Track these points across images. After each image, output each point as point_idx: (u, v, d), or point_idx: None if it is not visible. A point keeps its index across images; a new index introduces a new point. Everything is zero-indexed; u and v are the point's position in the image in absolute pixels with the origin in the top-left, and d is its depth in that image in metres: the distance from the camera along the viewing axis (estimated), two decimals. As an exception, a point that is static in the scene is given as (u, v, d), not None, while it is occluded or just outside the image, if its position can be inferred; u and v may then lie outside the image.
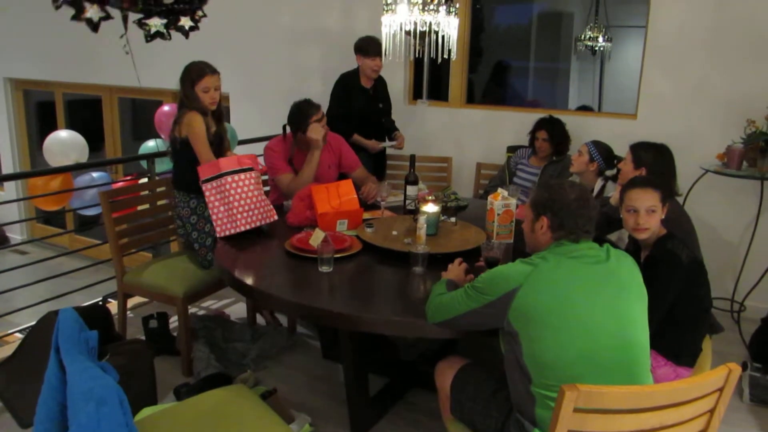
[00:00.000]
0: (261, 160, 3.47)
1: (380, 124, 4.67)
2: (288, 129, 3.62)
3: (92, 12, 3.46)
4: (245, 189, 3.03)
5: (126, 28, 3.71)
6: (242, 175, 3.06)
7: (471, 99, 5.39)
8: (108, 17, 3.64)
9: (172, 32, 3.73)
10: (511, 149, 4.68)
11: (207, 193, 3.05)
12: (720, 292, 4.28)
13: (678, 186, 2.98)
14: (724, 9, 4.11)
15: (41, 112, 8.42)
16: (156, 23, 3.64)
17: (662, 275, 2.25)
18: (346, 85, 4.48)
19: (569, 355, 1.77)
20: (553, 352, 1.78)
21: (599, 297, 1.82)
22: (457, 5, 3.02)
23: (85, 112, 8.15)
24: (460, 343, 3.27)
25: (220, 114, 3.42)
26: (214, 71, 3.30)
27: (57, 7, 3.50)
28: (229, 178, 3.01)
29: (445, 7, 2.90)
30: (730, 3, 4.09)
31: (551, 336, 1.78)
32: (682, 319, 2.31)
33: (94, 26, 3.59)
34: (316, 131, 3.44)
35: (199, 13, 3.70)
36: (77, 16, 3.53)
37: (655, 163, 2.90)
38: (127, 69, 6.92)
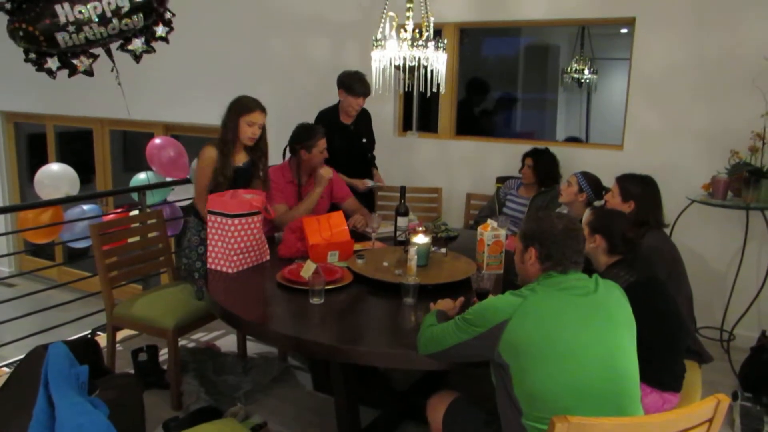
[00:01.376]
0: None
1: (365, 160, 4.49)
2: (287, 153, 3.65)
3: (84, 63, 3.69)
4: (248, 232, 3.02)
5: (113, 61, 3.81)
6: (248, 219, 3.02)
7: (460, 130, 5.46)
8: (96, 57, 3.76)
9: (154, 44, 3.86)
10: (500, 180, 4.73)
11: (209, 224, 3.07)
12: (709, 321, 4.31)
13: (665, 216, 3.01)
14: (706, 42, 4.20)
15: (32, 144, 8.43)
16: (137, 45, 3.76)
17: None
18: (325, 123, 4.20)
19: (559, 387, 1.78)
20: (543, 384, 1.79)
21: (588, 329, 1.84)
22: (446, 41, 3.08)
23: (76, 144, 8.16)
24: (452, 375, 3.27)
25: (261, 151, 3.45)
26: (263, 109, 3.36)
27: (54, 77, 3.72)
28: (236, 221, 2.98)
29: (433, 42, 2.96)
30: (711, 37, 4.18)
31: (541, 368, 1.79)
32: (653, 343, 2.29)
33: (89, 73, 3.78)
34: (327, 171, 3.47)
35: (167, 15, 3.78)
36: (73, 73, 3.75)
37: (643, 195, 2.94)
38: (119, 101, 6.97)
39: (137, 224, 3.85)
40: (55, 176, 5.53)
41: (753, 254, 4.20)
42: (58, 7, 3.44)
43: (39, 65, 3.68)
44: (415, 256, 2.76)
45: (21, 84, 7.76)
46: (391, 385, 3.41)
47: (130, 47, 3.79)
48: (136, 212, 4.75)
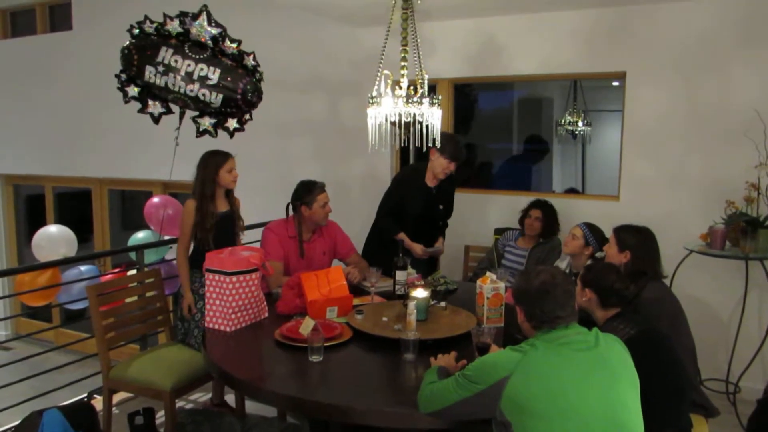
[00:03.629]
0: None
1: (436, 227, 4.27)
2: (291, 209, 3.73)
3: (154, 108, 4.08)
4: (245, 290, 3.01)
5: (180, 122, 4.21)
6: (246, 276, 3.02)
7: (458, 182, 5.49)
8: (169, 112, 4.16)
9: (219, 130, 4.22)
10: (498, 231, 4.73)
11: (207, 282, 3.06)
12: (714, 374, 4.24)
13: (663, 268, 3.00)
14: (697, 95, 4.28)
15: (30, 205, 8.46)
16: (206, 122, 4.10)
17: None
18: (406, 182, 4.18)
19: (564, 445, 1.74)
20: (547, 442, 1.75)
21: (591, 385, 1.81)
22: (440, 97, 3.13)
23: (74, 204, 8.20)
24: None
25: (231, 192, 3.69)
26: (232, 155, 3.60)
27: (126, 102, 4.10)
28: (233, 278, 2.97)
29: (428, 99, 3.00)
30: (701, 89, 4.26)
31: (545, 426, 1.75)
32: (657, 396, 2.24)
33: (155, 119, 4.15)
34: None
35: (246, 116, 4.03)
36: (143, 110, 4.12)
37: (639, 245, 2.95)
38: (117, 161, 7.05)
39: (135, 284, 3.83)
40: (53, 238, 5.53)
41: (754, 304, 4.17)
42: (163, 48, 3.96)
43: (142, 107, 4.12)
44: (415, 311, 2.75)
45: (20, 146, 7.86)
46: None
47: (198, 120, 4.14)
48: (133, 271, 4.73)
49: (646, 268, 2.90)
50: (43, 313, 7.92)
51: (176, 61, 3.92)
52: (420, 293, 2.92)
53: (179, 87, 3.94)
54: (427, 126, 3.06)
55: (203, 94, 3.95)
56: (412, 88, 3.09)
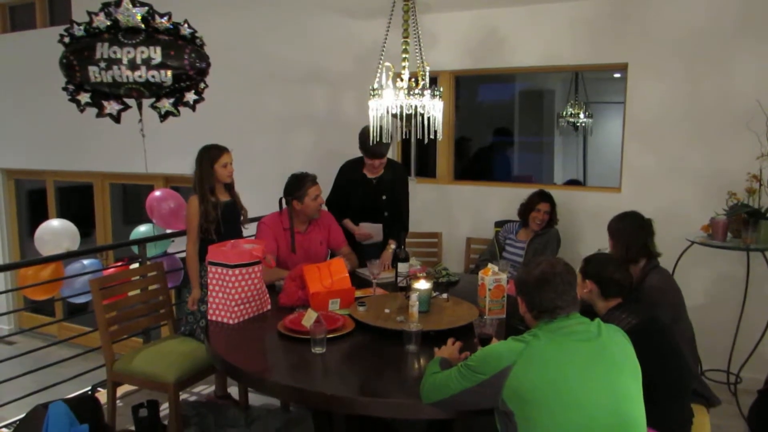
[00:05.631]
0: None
1: (380, 218, 4.19)
2: (284, 203, 3.73)
3: (111, 107, 4.00)
4: (248, 282, 3.02)
5: (141, 114, 4.13)
6: (248, 269, 3.02)
7: (459, 175, 5.50)
8: (126, 107, 4.08)
9: (180, 108, 4.18)
10: (499, 224, 4.73)
11: (210, 275, 3.07)
12: (715, 364, 4.25)
13: (655, 245, 3.06)
14: (699, 86, 4.27)
15: (32, 200, 8.47)
16: (165, 104, 4.04)
17: None
18: (345, 174, 4.25)
19: (566, 434, 1.75)
20: None
21: (593, 375, 1.82)
22: (441, 89, 3.13)
23: (75, 199, 8.20)
24: (457, 423, 3.21)
25: (231, 185, 3.75)
26: (227, 149, 3.65)
27: (81, 111, 4.02)
28: (236, 271, 2.98)
29: (429, 90, 3.00)
30: (703, 81, 4.25)
31: (547, 416, 1.76)
32: (658, 386, 2.25)
33: (115, 119, 4.08)
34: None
35: (201, 85, 3.99)
36: (100, 114, 4.04)
37: (617, 231, 3.06)
38: (119, 155, 7.04)
39: (137, 277, 3.84)
40: (56, 232, 5.55)
41: (755, 295, 4.17)
42: (99, 45, 3.86)
43: (99, 110, 4.03)
44: (417, 302, 2.76)
45: (21, 141, 7.86)
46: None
47: (158, 105, 4.08)
48: (136, 265, 4.74)
49: (626, 250, 2.95)
50: (46, 307, 7.94)
51: (115, 53, 3.85)
52: (422, 285, 2.93)
53: (126, 77, 3.87)
54: (428, 118, 3.06)
55: (153, 76, 3.89)
56: (413, 80, 3.09)
